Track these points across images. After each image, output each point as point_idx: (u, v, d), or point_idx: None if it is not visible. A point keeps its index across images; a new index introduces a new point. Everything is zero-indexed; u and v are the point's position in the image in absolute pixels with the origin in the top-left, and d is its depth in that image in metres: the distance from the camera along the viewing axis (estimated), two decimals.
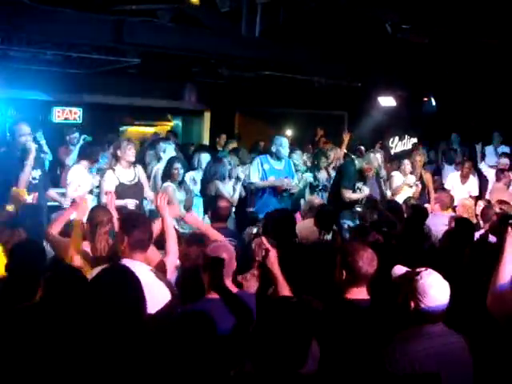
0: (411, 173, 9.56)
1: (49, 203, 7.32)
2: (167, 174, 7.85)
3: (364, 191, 8.19)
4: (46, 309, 3.22)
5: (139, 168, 7.64)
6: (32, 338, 3.06)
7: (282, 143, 8.58)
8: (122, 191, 7.03)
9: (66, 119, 12.51)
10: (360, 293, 3.78)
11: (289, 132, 14.69)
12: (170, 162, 7.99)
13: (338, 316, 3.65)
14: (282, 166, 8.54)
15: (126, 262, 3.87)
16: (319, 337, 2.96)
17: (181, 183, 7.88)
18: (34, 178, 6.83)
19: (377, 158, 8.49)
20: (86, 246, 4.94)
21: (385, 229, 6.23)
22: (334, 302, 3.79)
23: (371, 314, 3.66)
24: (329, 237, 6.32)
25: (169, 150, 9.24)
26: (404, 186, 9.27)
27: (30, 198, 6.62)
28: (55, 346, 3.00)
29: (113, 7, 8.60)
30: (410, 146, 13.59)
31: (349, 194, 8.08)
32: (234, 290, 3.99)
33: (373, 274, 3.79)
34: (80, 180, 7.41)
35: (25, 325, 3.13)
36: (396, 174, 9.56)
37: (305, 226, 6.58)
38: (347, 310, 3.71)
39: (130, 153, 7.31)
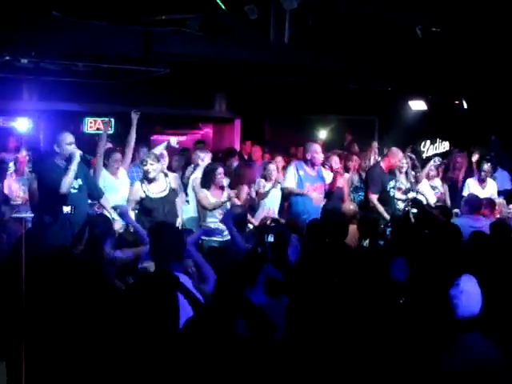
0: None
1: None
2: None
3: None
4: None
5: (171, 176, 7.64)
6: None
7: (318, 149, 8.47)
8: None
9: (97, 129, 12.60)
10: None
11: (320, 138, 14.59)
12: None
13: None
14: (316, 172, 8.46)
15: None
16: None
17: None
18: (73, 188, 6.55)
19: None
20: None
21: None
22: None
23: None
24: (366, 243, 6.33)
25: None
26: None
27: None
28: None
29: (142, 18, 8.68)
30: (441, 150, 13.45)
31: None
32: None
33: None
34: None
35: None
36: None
37: None
38: None
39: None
